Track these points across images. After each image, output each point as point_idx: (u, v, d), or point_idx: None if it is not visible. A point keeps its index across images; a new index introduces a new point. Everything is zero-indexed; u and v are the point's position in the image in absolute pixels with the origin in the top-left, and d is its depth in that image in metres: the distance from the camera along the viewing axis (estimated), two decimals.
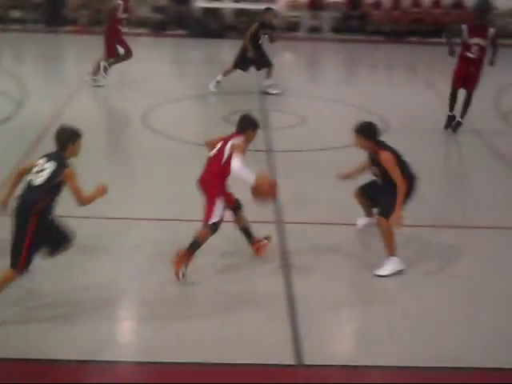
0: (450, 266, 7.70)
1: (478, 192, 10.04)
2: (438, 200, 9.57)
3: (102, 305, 6.62)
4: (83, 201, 6.34)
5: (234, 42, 21.37)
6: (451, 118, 12.67)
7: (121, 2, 14.85)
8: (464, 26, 12.39)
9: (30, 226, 6.15)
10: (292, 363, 5.92)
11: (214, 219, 7.16)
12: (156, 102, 13.93)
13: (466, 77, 12.42)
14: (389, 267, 7.44)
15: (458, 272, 7.57)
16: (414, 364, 5.98)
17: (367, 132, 7.47)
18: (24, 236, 6.17)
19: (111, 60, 15.00)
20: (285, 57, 18.98)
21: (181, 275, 7.03)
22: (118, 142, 12.15)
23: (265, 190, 7.15)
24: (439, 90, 16.05)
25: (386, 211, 7.34)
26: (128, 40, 15.20)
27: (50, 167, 6.23)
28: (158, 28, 22.26)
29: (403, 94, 15.91)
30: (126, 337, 6.46)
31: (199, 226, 7.14)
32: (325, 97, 14.71)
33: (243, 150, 7.20)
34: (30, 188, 6.23)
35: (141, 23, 22.30)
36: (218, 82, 14.75)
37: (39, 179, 6.20)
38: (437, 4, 22.61)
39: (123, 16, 15.02)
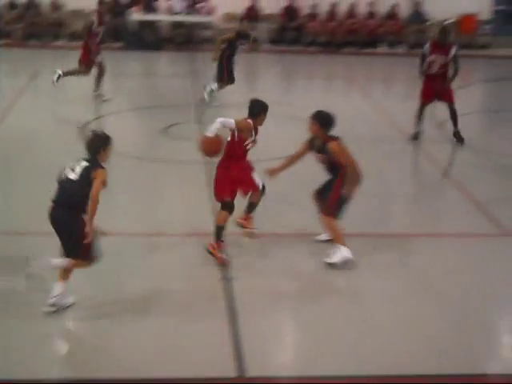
0: (392, 274, 7.77)
1: (414, 199, 10.15)
2: (373, 208, 9.64)
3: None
4: (93, 196, 6.35)
5: (170, 55, 21.40)
6: (417, 134, 12.92)
7: (94, 19, 14.79)
8: (427, 44, 12.78)
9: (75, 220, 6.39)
10: (233, 375, 5.86)
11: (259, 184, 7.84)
12: (93, 115, 13.78)
13: (437, 93, 12.66)
14: (338, 255, 7.74)
15: (401, 282, 7.64)
16: (355, 373, 6.00)
17: (324, 121, 7.82)
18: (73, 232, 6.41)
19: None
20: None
21: (225, 260, 7.60)
22: (55, 156, 11.93)
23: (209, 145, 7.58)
24: (375, 100, 16.26)
25: (326, 207, 7.76)
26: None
27: (83, 166, 6.46)
28: None
29: (341, 103, 16.01)
30: (52, 352, 6.32)
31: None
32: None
33: (246, 126, 7.72)
34: (68, 184, 6.45)
35: (77, 36, 22.06)
36: (212, 91, 14.73)
37: (73, 176, 6.44)
38: (371, 15, 22.89)
39: (99, 30, 14.87)
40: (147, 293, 7.04)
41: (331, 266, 7.72)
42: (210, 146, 7.59)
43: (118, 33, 21.92)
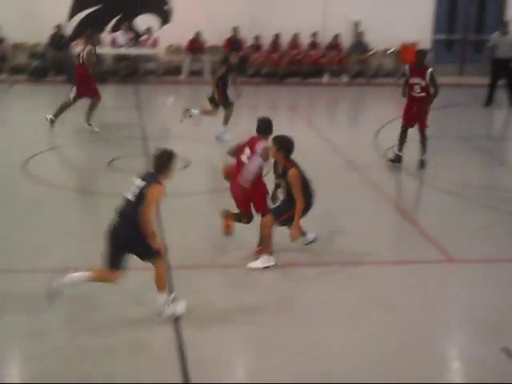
0: (331, 303, 7.79)
1: (360, 226, 10.18)
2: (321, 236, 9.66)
3: None
4: (143, 214, 6.67)
5: (114, 87, 21.29)
6: (398, 157, 13.11)
7: (92, 47, 15.31)
8: (407, 67, 13.16)
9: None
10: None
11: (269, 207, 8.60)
12: (36, 149, 13.59)
13: (414, 115, 12.92)
14: (261, 261, 8.37)
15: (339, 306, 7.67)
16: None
17: (284, 146, 8.33)
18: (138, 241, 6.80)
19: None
20: (167, 101, 18.91)
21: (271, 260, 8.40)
22: None
23: None
24: (319, 129, 16.37)
25: (277, 214, 8.36)
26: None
27: (139, 185, 6.81)
28: (37, 74, 21.84)
29: (286, 133, 16.08)
30: None
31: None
32: (208, 139, 14.73)
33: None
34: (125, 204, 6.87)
35: (19, 70, 21.87)
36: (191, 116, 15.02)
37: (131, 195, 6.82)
38: (314, 46, 23.12)
39: (93, 60, 15.32)
40: None
41: (253, 270, 8.30)
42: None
43: (61, 66, 21.75)
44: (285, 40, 23.20)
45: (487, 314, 7.66)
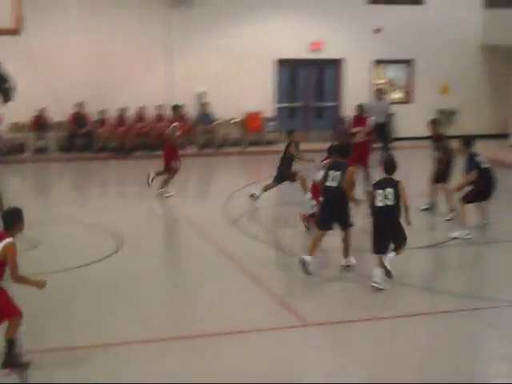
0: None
1: (212, 296, 10.14)
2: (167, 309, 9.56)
3: None
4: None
5: None
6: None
7: (176, 124, 16.57)
8: (349, 118, 16.30)
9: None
10: None
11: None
12: None
13: (359, 158, 15.11)
14: None
15: None
16: None
17: None
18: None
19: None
20: (11, 181, 18.40)
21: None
22: None
23: None
24: (167, 201, 16.32)
25: None
26: None
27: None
28: None
29: (135, 208, 15.99)
30: None
31: None
32: (57, 218, 14.39)
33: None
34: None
35: None
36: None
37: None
38: (161, 118, 23.21)
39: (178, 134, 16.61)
40: None
41: None
42: None
43: None
44: (131, 113, 23.21)
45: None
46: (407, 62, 25.69)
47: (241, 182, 17.16)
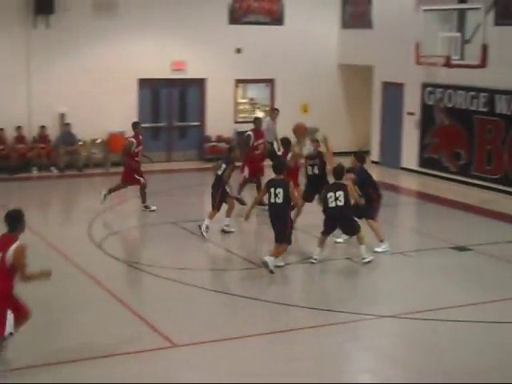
0: None
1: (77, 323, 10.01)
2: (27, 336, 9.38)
3: None
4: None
5: None
6: (240, 199, 15.90)
7: (133, 140, 16.88)
8: (250, 133, 16.95)
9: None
10: None
11: None
12: None
13: (256, 170, 16.54)
14: None
15: None
16: None
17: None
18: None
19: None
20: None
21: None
22: None
23: None
24: (31, 226, 15.94)
25: None
26: None
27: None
28: None
29: None
30: None
31: None
32: None
33: None
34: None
35: None
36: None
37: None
38: (21, 139, 22.63)
39: (137, 150, 16.93)
40: None
41: None
42: None
43: None
44: None
45: None
46: (268, 82, 26.15)
47: (105, 203, 16.97)
